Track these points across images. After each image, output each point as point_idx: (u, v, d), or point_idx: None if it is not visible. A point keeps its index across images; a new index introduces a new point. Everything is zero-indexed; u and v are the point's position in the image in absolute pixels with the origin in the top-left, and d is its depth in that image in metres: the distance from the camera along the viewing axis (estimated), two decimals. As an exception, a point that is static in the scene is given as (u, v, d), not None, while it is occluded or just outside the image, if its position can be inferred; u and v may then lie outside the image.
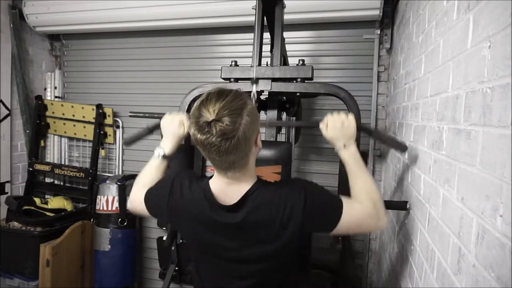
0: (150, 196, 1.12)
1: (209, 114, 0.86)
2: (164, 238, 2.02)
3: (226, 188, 0.98)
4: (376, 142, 1.31)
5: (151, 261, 3.08)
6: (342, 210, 0.96)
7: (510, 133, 0.59)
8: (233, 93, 0.92)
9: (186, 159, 1.68)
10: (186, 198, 1.03)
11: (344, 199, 1.00)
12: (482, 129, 0.71)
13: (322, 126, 1.16)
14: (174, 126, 1.20)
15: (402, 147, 1.38)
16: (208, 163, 2.87)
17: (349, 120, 1.13)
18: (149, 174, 1.19)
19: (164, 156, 1.20)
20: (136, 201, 1.16)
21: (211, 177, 1.03)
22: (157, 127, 1.38)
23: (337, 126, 1.12)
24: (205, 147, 0.90)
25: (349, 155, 1.11)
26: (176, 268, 2.50)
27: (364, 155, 1.48)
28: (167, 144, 1.22)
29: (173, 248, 2.03)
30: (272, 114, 1.77)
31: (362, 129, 1.26)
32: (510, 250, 0.56)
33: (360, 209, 1.00)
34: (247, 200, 0.96)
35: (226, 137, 0.86)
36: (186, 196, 1.03)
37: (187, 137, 1.68)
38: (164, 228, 2.77)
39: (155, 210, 1.12)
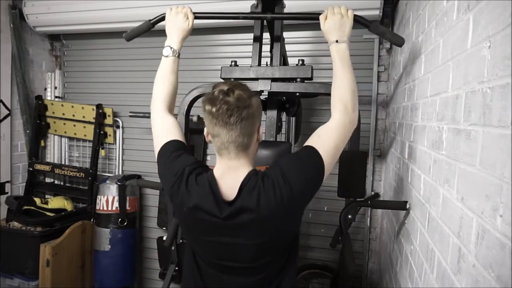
0: (162, 159, 1.07)
1: (225, 86, 0.94)
2: (164, 238, 2.02)
3: (226, 174, 0.98)
4: (374, 34, 1.28)
5: (151, 261, 3.08)
6: (316, 148, 0.99)
7: (510, 133, 0.59)
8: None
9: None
10: (193, 192, 0.99)
11: (313, 140, 1.03)
12: (482, 129, 0.71)
13: (321, 17, 1.19)
14: (179, 20, 1.20)
15: (399, 40, 1.32)
16: (208, 161, 2.87)
17: (348, 16, 1.16)
18: (163, 79, 1.18)
19: (174, 52, 1.20)
20: (156, 125, 1.15)
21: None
22: (159, 20, 1.36)
23: (335, 19, 1.15)
24: (214, 116, 0.93)
25: (338, 51, 1.12)
26: (176, 268, 2.50)
27: (364, 155, 1.47)
28: (174, 40, 1.22)
29: (173, 248, 2.03)
30: (272, 114, 1.77)
31: (359, 22, 1.24)
32: (510, 250, 0.56)
33: (334, 129, 1.03)
34: (243, 191, 0.96)
35: (240, 104, 0.92)
36: (192, 189, 0.99)
37: (187, 138, 1.68)
38: (164, 228, 2.77)
39: (163, 178, 1.07)
